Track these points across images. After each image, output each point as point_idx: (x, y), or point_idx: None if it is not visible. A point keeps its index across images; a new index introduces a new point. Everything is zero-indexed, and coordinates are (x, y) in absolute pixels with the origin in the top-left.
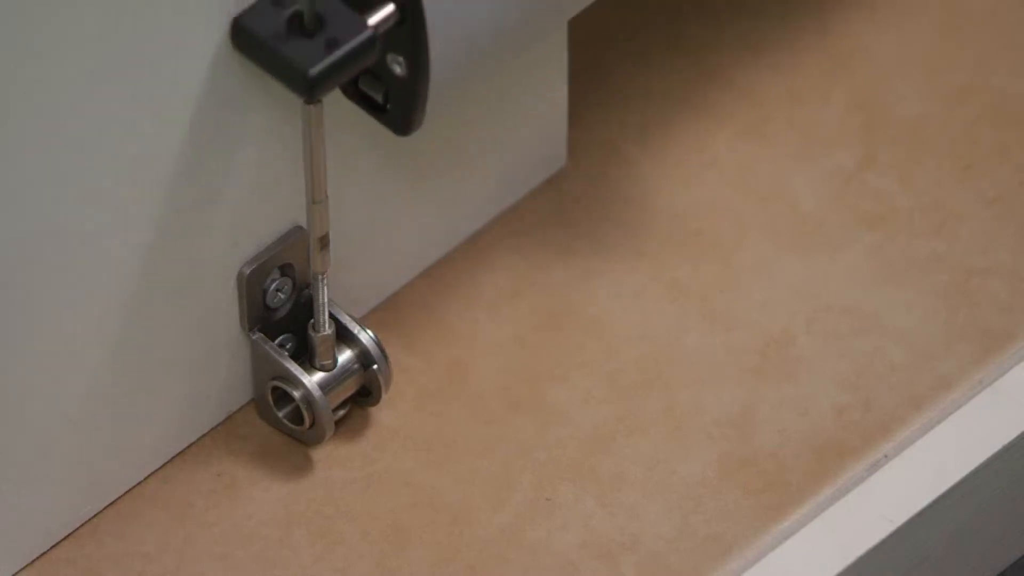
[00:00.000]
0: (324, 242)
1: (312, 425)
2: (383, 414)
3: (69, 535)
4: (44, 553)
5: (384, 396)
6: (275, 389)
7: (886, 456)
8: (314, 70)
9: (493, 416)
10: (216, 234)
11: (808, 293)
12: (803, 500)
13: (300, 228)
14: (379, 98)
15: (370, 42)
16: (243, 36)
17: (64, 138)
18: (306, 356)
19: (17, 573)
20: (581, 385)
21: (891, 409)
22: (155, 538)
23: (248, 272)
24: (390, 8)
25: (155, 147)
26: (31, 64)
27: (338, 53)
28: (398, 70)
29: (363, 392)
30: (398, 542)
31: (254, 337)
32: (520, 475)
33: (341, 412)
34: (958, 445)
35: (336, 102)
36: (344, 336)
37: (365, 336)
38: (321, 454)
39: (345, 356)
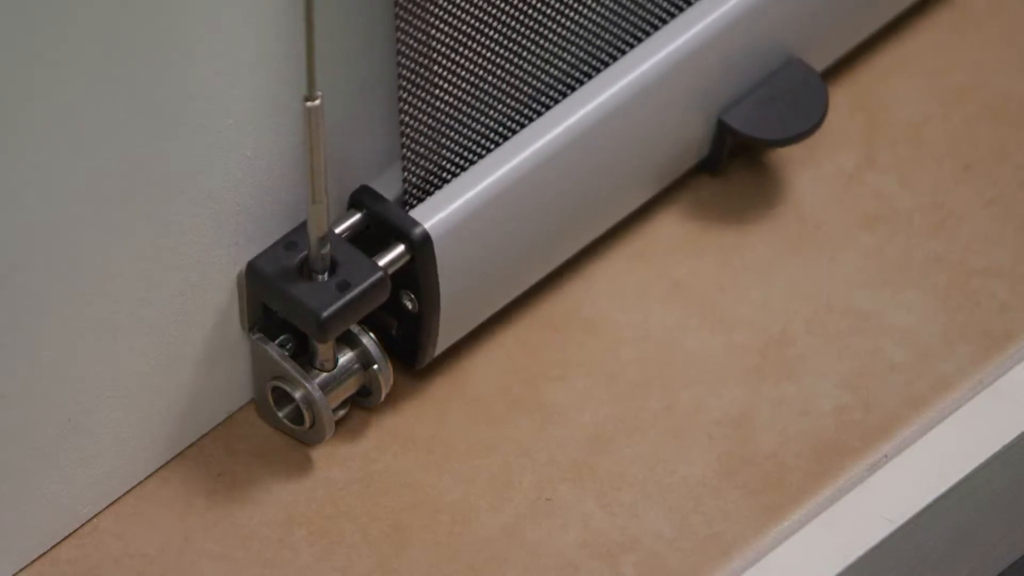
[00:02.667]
0: (324, 242)
1: (312, 425)
2: (383, 414)
3: (69, 535)
4: (44, 553)
5: (384, 396)
6: (275, 389)
7: (886, 456)
8: (326, 313)
9: (493, 416)
10: (216, 234)
11: (808, 293)
12: (803, 500)
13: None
14: (391, 330)
15: (381, 283)
16: (257, 279)
17: (66, 139)
18: (306, 356)
19: (17, 573)
20: (581, 385)
21: (891, 409)
22: (155, 538)
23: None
24: (400, 249)
25: (156, 148)
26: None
27: (349, 295)
28: (409, 306)
29: (363, 392)
30: (398, 542)
31: (254, 337)
32: (520, 475)
33: (341, 412)
34: (958, 445)
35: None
36: (344, 336)
37: (365, 336)
38: (321, 454)
39: (345, 356)
